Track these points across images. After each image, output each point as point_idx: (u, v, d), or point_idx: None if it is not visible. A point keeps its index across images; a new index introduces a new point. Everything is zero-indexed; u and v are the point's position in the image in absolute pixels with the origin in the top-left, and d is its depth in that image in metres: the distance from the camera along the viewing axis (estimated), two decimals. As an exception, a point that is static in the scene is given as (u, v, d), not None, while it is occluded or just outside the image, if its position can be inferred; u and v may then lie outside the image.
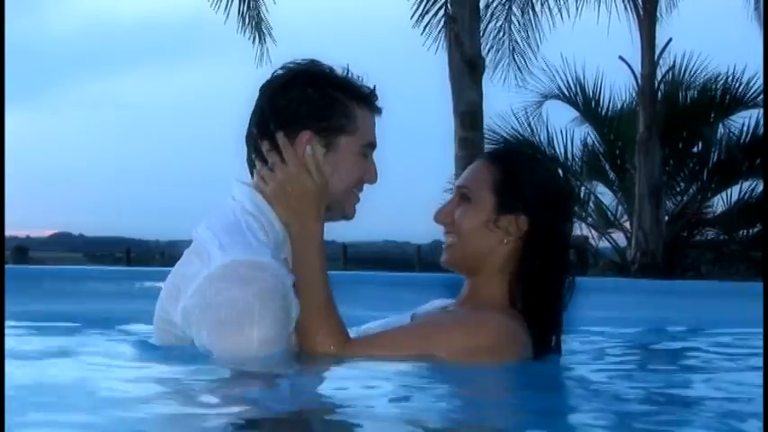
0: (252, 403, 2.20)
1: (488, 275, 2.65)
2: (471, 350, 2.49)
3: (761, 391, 2.37)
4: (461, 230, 2.65)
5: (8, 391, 2.13)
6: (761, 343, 3.86)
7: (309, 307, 2.46)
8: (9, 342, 2.95)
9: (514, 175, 2.65)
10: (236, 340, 2.35)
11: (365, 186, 2.64)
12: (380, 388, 2.36)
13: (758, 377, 2.63)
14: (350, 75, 2.59)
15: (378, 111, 2.62)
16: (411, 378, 2.47)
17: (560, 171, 16.29)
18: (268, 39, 13.20)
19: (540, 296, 2.64)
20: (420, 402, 2.27)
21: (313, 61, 2.60)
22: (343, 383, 2.42)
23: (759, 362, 3.56)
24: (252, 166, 2.59)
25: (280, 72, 2.60)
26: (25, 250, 23.47)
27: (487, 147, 13.13)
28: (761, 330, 4.07)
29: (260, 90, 2.59)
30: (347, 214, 2.64)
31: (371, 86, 2.61)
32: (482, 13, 13.54)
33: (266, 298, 2.36)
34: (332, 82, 2.57)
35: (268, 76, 2.60)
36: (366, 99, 2.58)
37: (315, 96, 2.53)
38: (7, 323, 3.14)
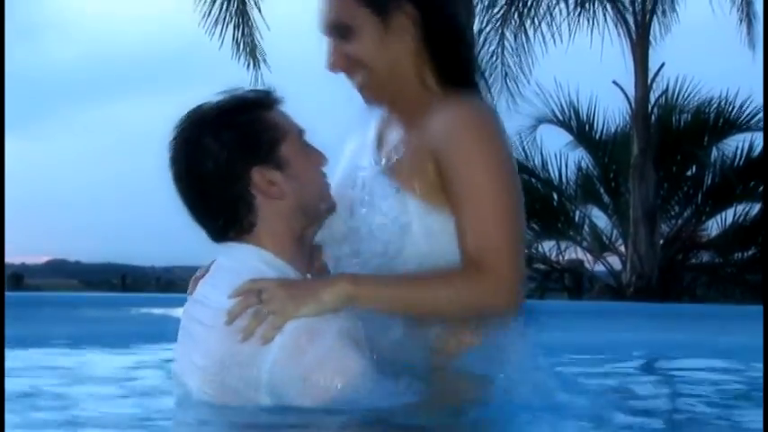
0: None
1: (411, 86, 2.43)
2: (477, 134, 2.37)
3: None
4: (364, 61, 2.42)
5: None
6: (756, 367, 3.87)
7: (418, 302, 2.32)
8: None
9: None
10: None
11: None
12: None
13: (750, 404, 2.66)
14: (235, 93, 2.45)
15: (280, 100, 2.47)
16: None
17: (555, 195, 16.37)
18: (262, 65, 13.23)
19: (462, 53, 2.49)
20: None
21: (195, 111, 2.43)
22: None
23: (752, 387, 3.59)
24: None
25: (178, 142, 2.42)
26: (21, 277, 23.45)
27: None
28: (755, 353, 4.08)
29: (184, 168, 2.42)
30: (330, 205, 2.49)
31: (262, 89, 2.49)
32: (475, 37, 13.58)
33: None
34: (242, 109, 2.43)
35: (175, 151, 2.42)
36: (265, 100, 2.45)
37: (232, 136, 2.38)
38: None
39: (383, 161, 2.43)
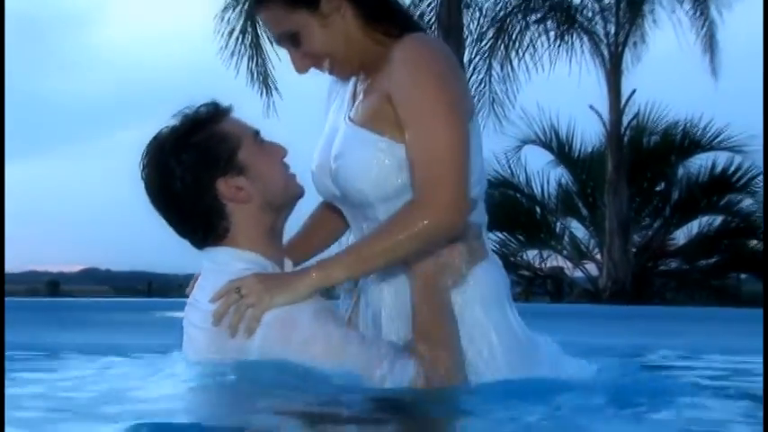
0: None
1: (367, 49, 2.35)
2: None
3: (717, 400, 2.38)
4: (322, 51, 2.36)
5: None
6: (717, 361, 3.87)
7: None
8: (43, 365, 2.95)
9: None
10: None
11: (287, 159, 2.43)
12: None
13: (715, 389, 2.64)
14: (188, 114, 2.39)
15: (230, 110, 2.41)
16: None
17: (538, 208, 16.37)
18: (274, 92, 13.26)
19: (393, 6, 2.42)
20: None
21: (156, 138, 2.38)
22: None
23: (712, 376, 3.58)
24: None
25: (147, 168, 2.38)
26: (57, 284, 23.44)
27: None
28: (716, 350, 4.08)
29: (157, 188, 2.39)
30: (296, 193, 2.44)
31: (210, 102, 2.41)
32: (466, 66, 13.61)
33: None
34: (196, 128, 2.36)
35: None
36: (215, 114, 2.39)
37: (196, 151, 2.34)
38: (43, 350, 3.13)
39: (353, 113, 2.37)
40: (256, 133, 2.41)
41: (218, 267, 2.35)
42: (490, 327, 2.31)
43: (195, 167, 2.32)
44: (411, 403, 2.19)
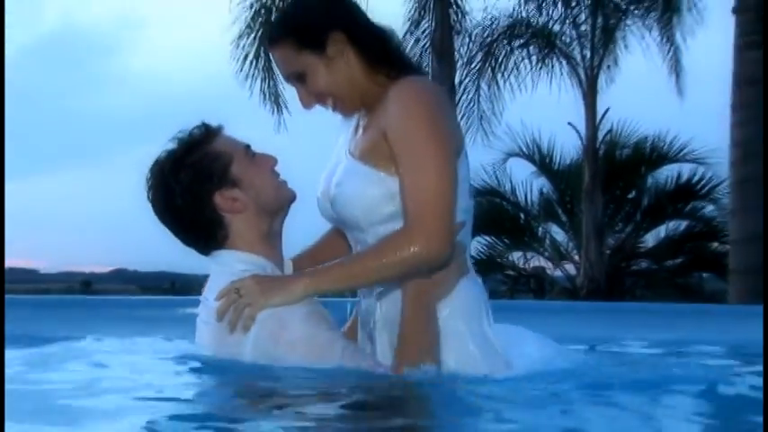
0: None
1: (368, 89, 2.34)
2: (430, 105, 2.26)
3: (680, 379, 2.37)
4: (325, 91, 2.35)
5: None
6: (683, 349, 3.88)
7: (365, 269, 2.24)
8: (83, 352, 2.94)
9: (296, 24, 2.34)
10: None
11: (278, 167, 2.45)
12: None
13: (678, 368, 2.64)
14: (182, 137, 2.42)
15: (220, 129, 2.42)
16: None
17: (522, 215, 16.37)
18: (284, 110, 13.27)
19: (393, 51, 2.42)
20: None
21: (156, 162, 2.42)
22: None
23: (676, 358, 3.59)
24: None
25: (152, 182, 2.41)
26: (90, 283, 23.46)
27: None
28: (681, 341, 4.09)
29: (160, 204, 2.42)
30: (287, 198, 2.44)
31: (201, 124, 2.43)
32: (457, 88, 13.63)
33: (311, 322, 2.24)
34: (191, 148, 2.39)
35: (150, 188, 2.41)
36: (207, 135, 2.41)
37: (192, 170, 2.37)
38: (78, 342, 3.12)
39: (352, 147, 2.37)
40: (247, 147, 2.42)
41: (221, 269, 2.37)
42: (469, 338, 2.30)
43: (193, 185, 2.35)
44: (398, 395, 2.18)
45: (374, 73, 2.34)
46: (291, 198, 2.44)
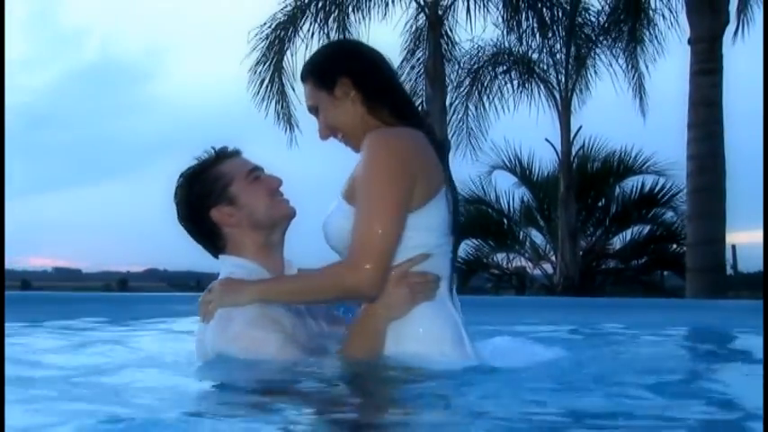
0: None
1: (367, 129, 2.34)
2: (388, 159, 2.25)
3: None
4: (337, 126, 2.39)
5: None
6: (646, 337, 3.88)
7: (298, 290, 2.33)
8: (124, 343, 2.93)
9: (314, 67, 2.43)
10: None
11: (283, 188, 2.50)
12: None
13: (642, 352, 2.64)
14: (203, 156, 2.51)
15: (235, 153, 2.50)
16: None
17: (505, 220, 16.37)
18: (296, 129, 13.28)
19: (393, 98, 2.41)
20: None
21: (180, 176, 2.51)
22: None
23: (639, 343, 3.59)
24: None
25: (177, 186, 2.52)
26: (126, 281, 23.42)
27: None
28: (642, 326, 4.09)
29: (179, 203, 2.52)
30: (282, 215, 2.47)
31: (220, 147, 2.51)
32: (447, 108, 13.63)
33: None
34: (200, 169, 2.49)
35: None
36: (218, 157, 2.49)
37: (197, 188, 2.46)
38: (117, 332, 3.13)
39: (343, 187, 2.39)
40: (253, 170, 2.47)
41: (222, 270, 2.47)
42: (423, 361, 2.23)
43: (195, 199, 2.45)
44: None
45: (374, 116, 2.36)
46: (287, 215, 2.48)
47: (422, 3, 13.41)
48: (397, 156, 2.27)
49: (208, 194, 2.43)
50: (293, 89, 13.00)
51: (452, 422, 1.82)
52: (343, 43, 2.55)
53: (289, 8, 13.12)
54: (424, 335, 2.26)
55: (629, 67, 13.83)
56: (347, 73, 2.37)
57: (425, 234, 2.28)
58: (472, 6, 13.25)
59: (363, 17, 13.09)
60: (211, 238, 2.47)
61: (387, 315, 2.26)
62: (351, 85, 2.36)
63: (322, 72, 2.41)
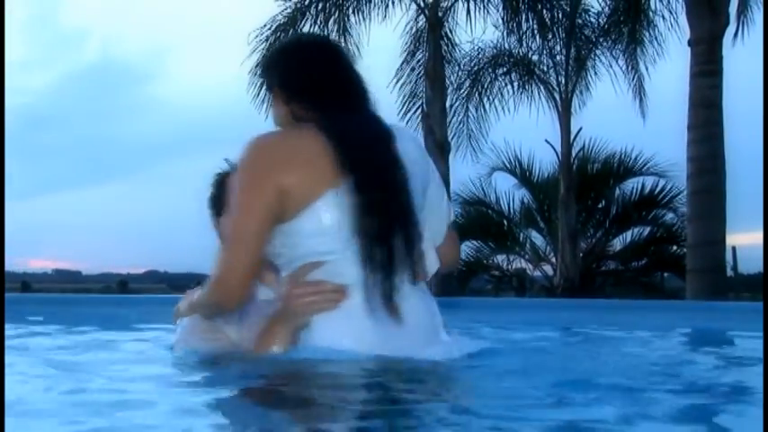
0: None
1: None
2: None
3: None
4: (276, 125, 2.42)
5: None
6: (646, 337, 3.87)
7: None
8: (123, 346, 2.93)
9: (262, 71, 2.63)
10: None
11: None
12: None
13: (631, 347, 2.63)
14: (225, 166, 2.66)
15: None
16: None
17: (505, 222, 16.38)
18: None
19: (314, 94, 2.35)
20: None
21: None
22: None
23: (631, 342, 3.58)
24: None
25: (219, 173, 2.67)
26: (126, 283, 23.43)
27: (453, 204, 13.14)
28: (646, 330, 4.08)
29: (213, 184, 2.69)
30: None
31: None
32: (447, 110, 13.64)
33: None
34: (216, 184, 2.67)
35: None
36: (231, 170, 2.56)
37: (211, 197, 2.68)
38: (117, 334, 3.13)
39: None
40: None
41: None
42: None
43: (210, 205, 2.66)
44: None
45: (293, 114, 2.35)
46: None
47: (422, 4, 13.42)
48: (256, 165, 2.22)
49: (216, 202, 2.63)
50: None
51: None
52: (279, 46, 2.62)
53: (289, 10, 13.15)
54: (321, 344, 2.16)
55: (629, 68, 13.85)
56: (276, 75, 2.43)
57: (315, 240, 2.17)
58: (472, 8, 13.30)
59: (363, 19, 13.14)
60: None
61: (292, 322, 2.20)
62: (279, 91, 2.42)
63: (264, 75, 2.58)
